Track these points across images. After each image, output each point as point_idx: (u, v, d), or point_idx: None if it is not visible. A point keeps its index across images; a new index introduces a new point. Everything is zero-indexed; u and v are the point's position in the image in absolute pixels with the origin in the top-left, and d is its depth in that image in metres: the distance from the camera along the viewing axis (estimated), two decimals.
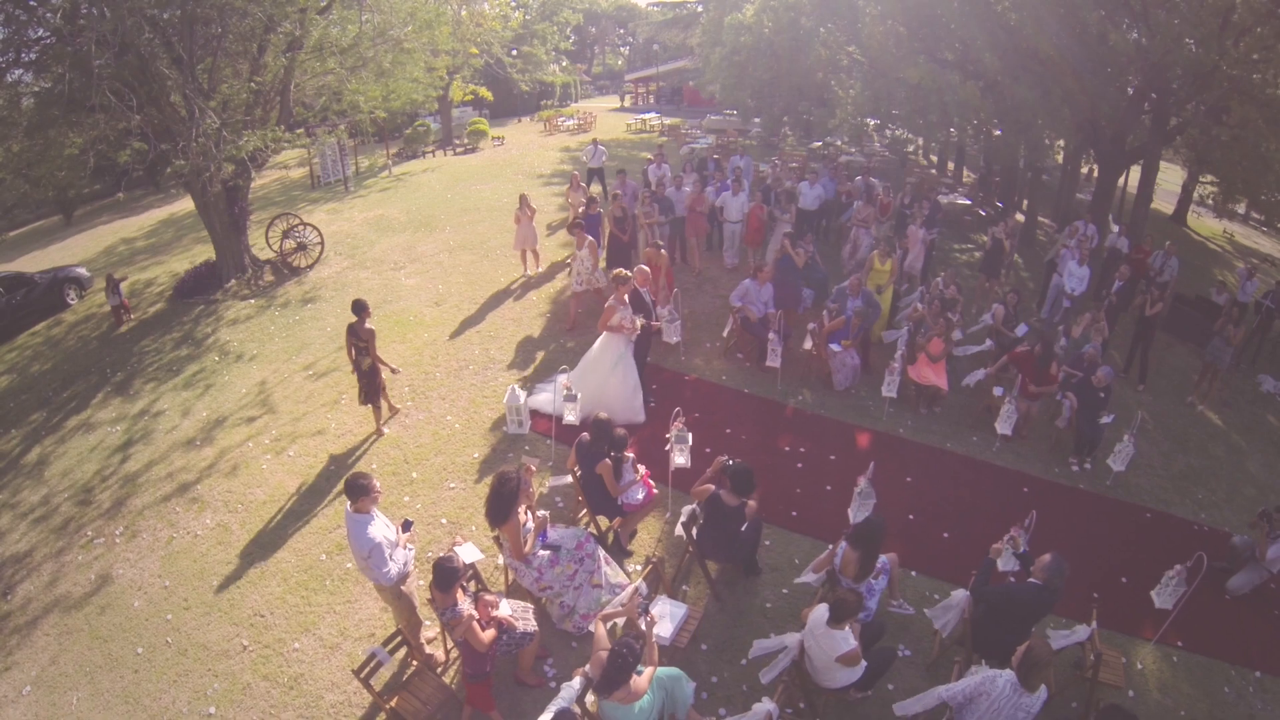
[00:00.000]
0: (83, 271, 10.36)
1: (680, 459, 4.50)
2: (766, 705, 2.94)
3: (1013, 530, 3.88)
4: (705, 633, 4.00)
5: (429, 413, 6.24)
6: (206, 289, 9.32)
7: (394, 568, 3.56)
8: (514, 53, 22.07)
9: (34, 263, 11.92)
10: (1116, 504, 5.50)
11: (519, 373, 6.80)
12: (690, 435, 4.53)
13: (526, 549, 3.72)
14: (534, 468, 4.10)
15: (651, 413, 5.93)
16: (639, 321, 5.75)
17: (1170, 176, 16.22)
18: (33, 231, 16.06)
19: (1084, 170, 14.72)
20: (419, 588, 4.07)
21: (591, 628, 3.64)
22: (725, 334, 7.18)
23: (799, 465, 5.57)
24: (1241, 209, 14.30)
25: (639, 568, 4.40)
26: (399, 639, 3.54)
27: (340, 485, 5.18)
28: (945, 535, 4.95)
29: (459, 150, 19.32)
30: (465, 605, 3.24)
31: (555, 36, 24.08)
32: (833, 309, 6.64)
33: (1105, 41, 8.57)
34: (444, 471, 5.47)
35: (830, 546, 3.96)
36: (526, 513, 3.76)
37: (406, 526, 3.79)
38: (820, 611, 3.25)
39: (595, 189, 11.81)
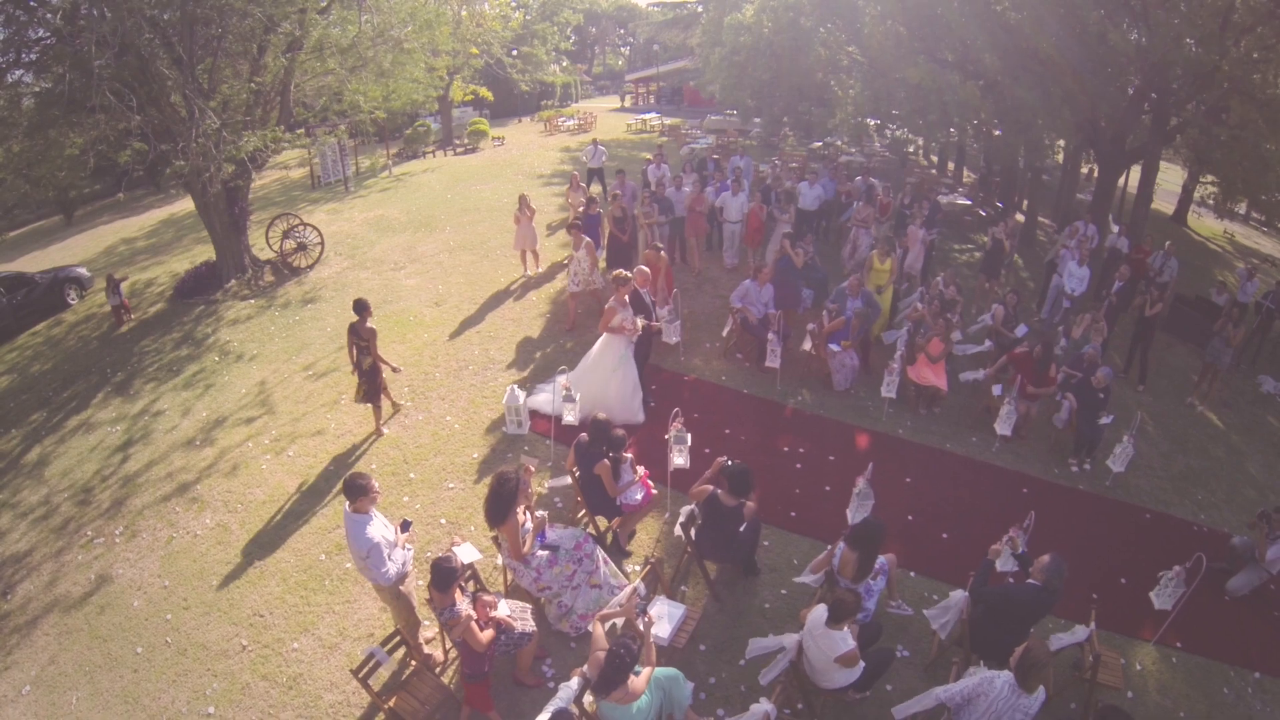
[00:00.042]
0: (83, 271, 10.37)
1: (679, 459, 4.51)
2: (764, 706, 2.94)
3: (1011, 531, 3.88)
4: (704, 633, 4.01)
5: (428, 413, 6.25)
6: (206, 289, 9.33)
7: (392, 568, 3.56)
8: (514, 53, 22.07)
9: (34, 263, 11.94)
10: (1116, 505, 5.50)
11: (518, 373, 6.80)
12: (689, 436, 4.53)
13: (525, 549, 3.72)
14: (533, 468, 4.10)
15: (651, 413, 5.93)
16: (640, 322, 5.75)
17: (1171, 177, 16.21)
18: (33, 231, 16.08)
19: (1084, 170, 14.71)
20: (418, 588, 4.08)
21: (590, 628, 3.63)
22: (725, 334, 7.18)
23: (798, 466, 5.57)
24: (1242, 209, 14.29)
25: (638, 568, 4.41)
26: (397, 639, 3.54)
27: (339, 485, 5.18)
28: (944, 536, 4.94)
29: (459, 150, 19.32)
30: (463, 605, 3.24)
31: (555, 37, 24.08)
32: (832, 309, 6.64)
33: (1105, 41, 8.56)
34: (443, 472, 5.47)
35: (829, 547, 3.96)
36: (525, 513, 3.77)
37: (405, 527, 3.80)
38: (819, 612, 3.25)
39: (595, 189, 11.82)
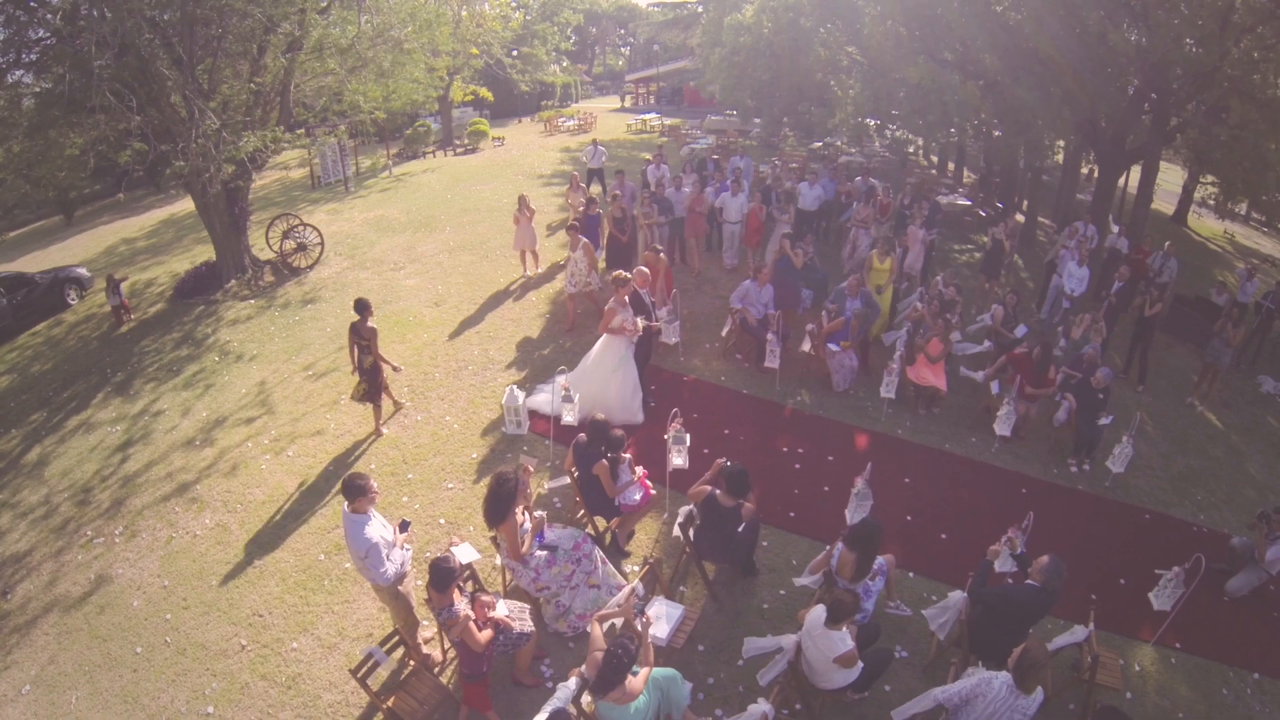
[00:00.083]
0: (83, 272, 10.38)
1: (678, 460, 4.51)
2: (762, 706, 2.94)
3: (1010, 531, 3.88)
4: (702, 633, 4.01)
5: (428, 413, 6.25)
6: (206, 289, 9.34)
7: (391, 568, 3.57)
8: (514, 53, 22.07)
9: (35, 263, 11.95)
10: (1115, 505, 5.49)
11: (517, 373, 6.81)
12: (688, 436, 4.53)
13: (524, 549, 3.73)
14: (532, 468, 4.11)
15: (650, 413, 5.93)
16: (640, 323, 5.75)
17: (1171, 177, 16.20)
18: (33, 231, 16.10)
19: (1084, 171, 14.70)
20: (416, 588, 4.08)
21: (589, 628, 3.64)
22: (724, 334, 7.18)
23: (797, 466, 5.57)
24: (1242, 209, 14.27)
25: (636, 568, 4.41)
26: (396, 639, 3.54)
27: (339, 485, 5.18)
28: (943, 536, 4.94)
29: (459, 151, 19.33)
30: (462, 605, 3.25)
31: (556, 37, 24.08)
32: (831, 309, 6.64)
33: (1105, 41, 8.56)
34: (442, 472, 5.47)
35: (827, 548, 3.96)
36: (524, 513, 3.77)
37: (404, 527, 3.80)
38: (818, 612, 3.26)
39: (595, 189, 11.82)
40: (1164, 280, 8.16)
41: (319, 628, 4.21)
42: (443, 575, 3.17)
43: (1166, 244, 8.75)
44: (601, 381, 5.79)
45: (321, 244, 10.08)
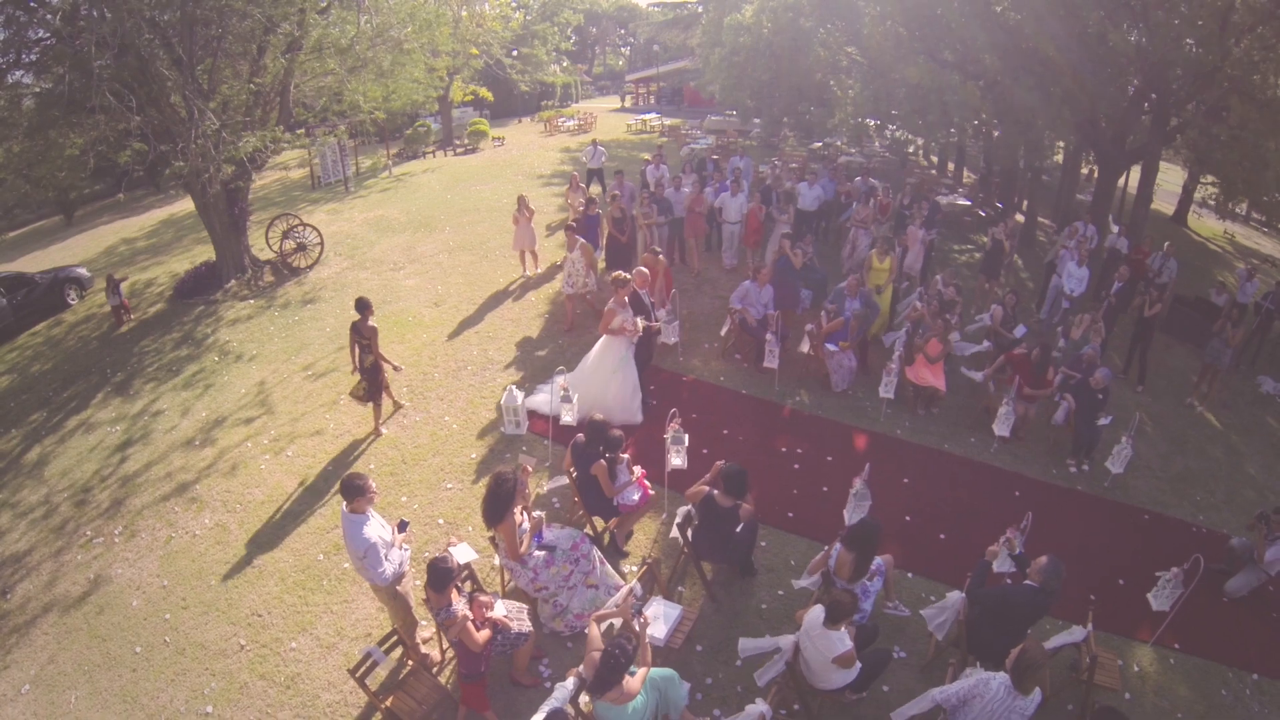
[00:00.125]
0: (83, 272, 10.38)
1: (676, 460, 4.51)
2: (760, 706, 2.94)
3: (1008, 532, 3.88)
4: (700, 634, 4.01)
5: (427, 413, 6.25)
6: (206, 289, 9.34)
7: (389, 568, 3.57)
8: (514, 53, 22.07)
9: (35, 263, 11.96)
10: (1114, 506, 5.49)
11: (516, 374, 6.81)
12: (687, 436, 4.53)
13: (522, 549, 3.73)
14: (530, 468, 4.11)
15: (649, 413, 5.93)
16: (640, 323, 5.75)
17: (1171, 177, 16.19)
18: (33, 231, 16.11)
19: (1084, 171, 14.70)
20: (415, 588, 4.08)
21: (587, 629, 3.64)
22: (723, 334, 7.18)
23: (796, 466, 5.57)
24: (1242, 210, 14.26)
25: (635, 568, 4.41)
26: (395, 639, 3.55)
27: (338, 485, 5.19)
28: (942, 536, 4.94)
29: (459, 151, 19.34)
30: (460, 605, 3.25)
31: (556, 37, 24.09)
32: (831, 310, 6.64)
33: (1105, 41, 8.56)
34: (441, 472, 5.48)
35: (825, 548, 3.96)
36: (522, 513, 3.77)
37: (402, 527, 3.80)
38: (816, 612, 3.26)
39: (595, 190, 11.82)
40: (1163, 281, 8.15)
41: (318, 627, 4.22)
42: (440, 575, 3.17)
43: (1166, 244, 8.75)
44: (601, 382, 5.79)
45: (321, 244, 10.08)
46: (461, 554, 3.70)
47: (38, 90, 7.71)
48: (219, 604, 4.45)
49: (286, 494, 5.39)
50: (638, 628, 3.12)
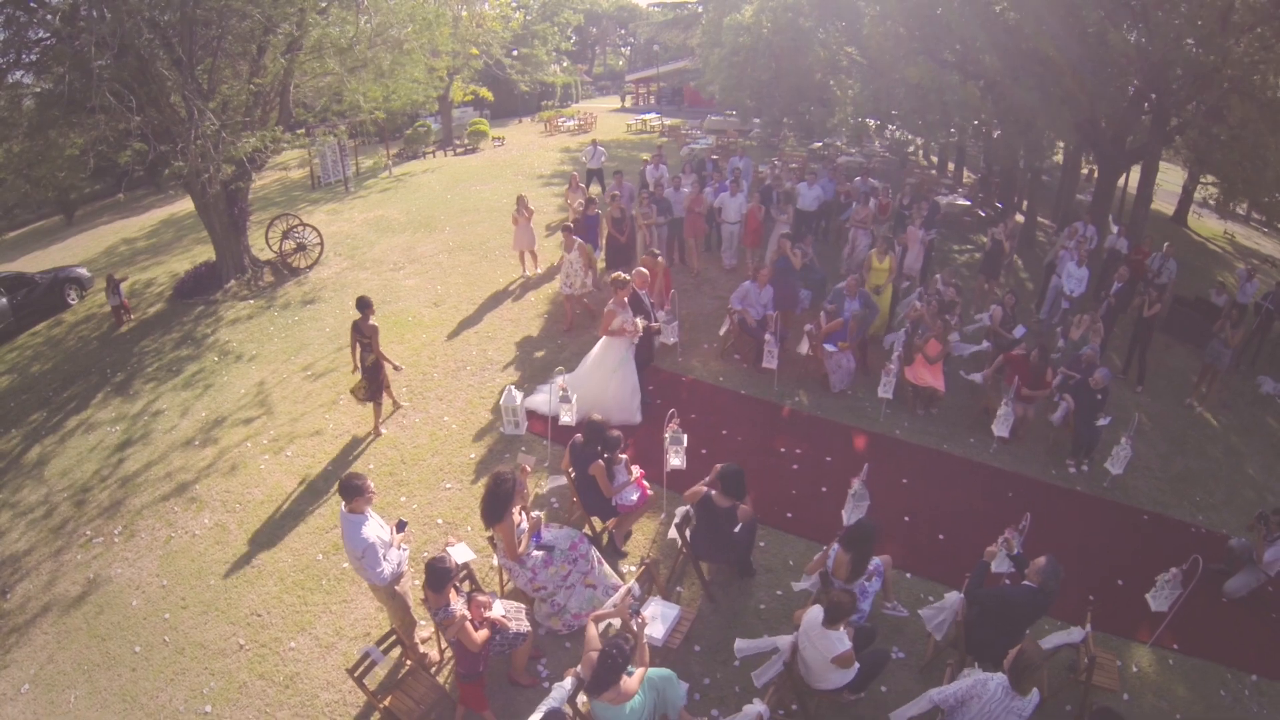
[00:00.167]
0: (83, 272, 10.39)
1: (675, 460, 4.51)
2: (757, 707, 2.95)
3: (1007, 532, 3.88)
4: (699, 634, 4.01)
5: (426, 413, 6.26)
6: (206, 289, 9.35)
7: (388, 568, 3.57)
8: (514, 53, 22.07)
9: (35, 263, 11.97)
10: (1114, 506, 5.49)
11: (515, 374, 6.81)
12: (685, 436, 4.53)
13: (520, 549, 3.73)
14: (529, 468, 4.12)
15: (648, 414, 5.93)
16: (640, 324, 5.75)
17: (1171, 177, 16.18)
18: (34, 231, 16.13)
19: (1084, 171, 14.69)
20: (413, 588, 4.09)
21: (587, 629, 3.64)
22: (722, 334, 7.18)
23: (795, 467, 5.58)
24: (1242, 210, 14.26)
25: (633, 568, 4.41)
26: (393, 638, 3.55)
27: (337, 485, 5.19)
28: (941, 537, 4.94)
29: (459, 151, 19.34)
30: (458, 605, 3.25)
31: (556, 37, 24.09)
32: (830, 310, 6.64)
33: (1105, 41, 8.55)
34: (440, 472, 5.48)
35: (824, 548, 3.96)
36: (521, 513, 3.78)
37: (401, 527, 3.80)
38: (815, 613, 3.26)
39: (595, 190, 11.82)
40: (1163, 281, 8.15)
41: (317, 627, 4.22)
42: (438, 575, 3.17)
43: (1165, 245, 8.74)
44: (601, 382, 5.79)
45: (321, 244, 10.09)
46: (459, 554, 3.70)
47: (38, 90, 7.71)
48: (218, 604, 4.46)
49: (286, 494, 5.39)
50: (635, 628, 3.13)
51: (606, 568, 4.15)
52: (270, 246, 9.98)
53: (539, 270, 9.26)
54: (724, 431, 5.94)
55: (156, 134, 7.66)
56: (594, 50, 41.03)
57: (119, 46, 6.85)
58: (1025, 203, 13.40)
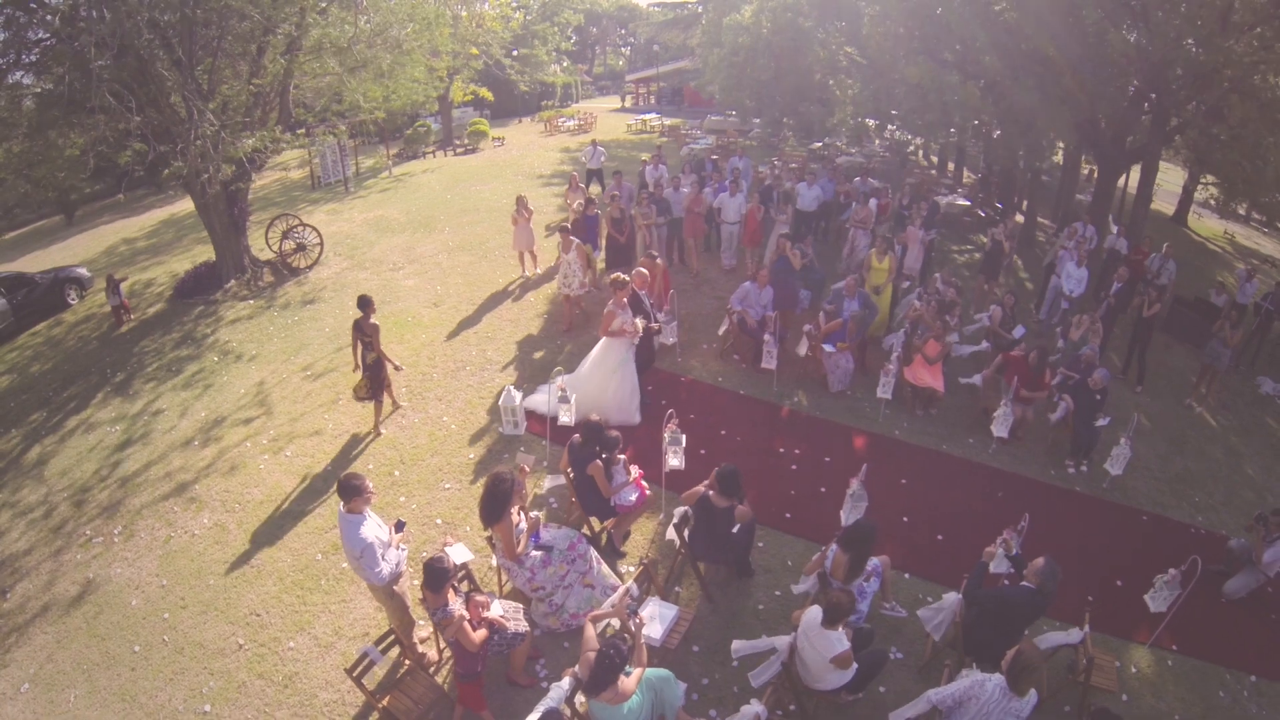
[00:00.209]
0: (83, 272, 10.40)
1: (674, 461, 4.51)
2: (755, 707, 2.95)
3: (1005, 533, 3.87)
4: (697, 634, 4.01)
5: (425, 413, 6.26)
6: (206, 289, 9.36)
7: (386, 568, 3.57)
8: (514, 54, 22.07)
9: (35, 263, 11.98)
10: (1113, 507, 5.49)
11: (515, 374, 6.82)
12: (684, 437, 4.53)
13: (519, 549, 3.74)
14: (528, 468, 4.12)
15: (647, 414, 5.94)
16: (640, 324, 5.75)
17: (1171, 178, 16.18)
18: (34, 231, 16.14)
19: (1084, 171, 14.68)
20: (412, 588, 4.09)
21: (585, 628, 3.64)
22: (721, 333, 7.18)
23: (794, 467, 5.58)
24: (1243, 210, 14.25)
25: (632, 569, 4.41)
26: (392, 638, 3.55)
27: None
28: (939, 537, 4.94)
29: (459, 151, 19.35)
30: (456, 606, 3.25)
31: (556, 37, 24.08)
32: (829, 310, 6.64)
33: (1105, 41, 8.55)
34: (439, 472, 5.49)
35: (822, 549, 3.96)
36: (520, 513, 3.78)
37: (399, 527, 3.81)
38: (814, 613, 3.26)
39: (594, 190, 11.82)
40: (1163, 282, 8.14)
41: (316, 627, 4.23)
42: (436, 575, 3.18)
43: (1165, 245, 8.74)
44: (600, 383, 5.79)
45: (321, 244, 10.10)
46: (457, 554, 3.71)
47: (38, 91, 7.72)
48: (217, 603, 4.47)
49: (285, 494, 5.40)
50: (633, 628, 3.13)
51: (605, 568, 4.15)
52: (270, 246, 9.98)
53: (538, 271, 9.27)
54: (723, 432, 5.94)
55: (156, 134, 7.67)
56: (594, 50, 41.03)
57: (119, 47, 6.86)
58: (1025, 203, 13.39)
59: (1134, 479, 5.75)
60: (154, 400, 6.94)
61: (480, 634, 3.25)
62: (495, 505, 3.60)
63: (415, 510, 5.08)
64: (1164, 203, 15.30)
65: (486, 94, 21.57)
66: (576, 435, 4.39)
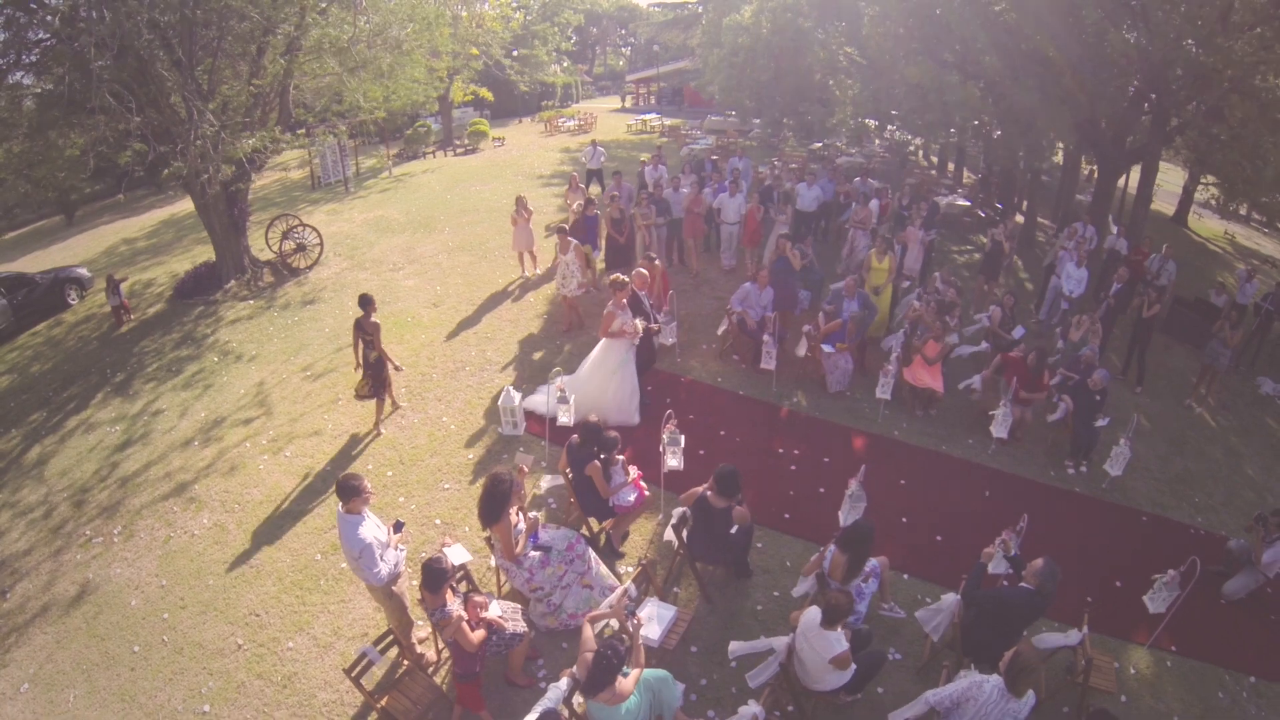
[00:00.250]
0: (83, 272, 10.41)
1: (672, 461, 4.51)
2: (752, 708, 2.95)
3: (1004, 534, 3.87)
4: (695, 635, 4.01)
5: (425, 414, 6.27)
6: (206, 290, 9.37)
7: (384, 568, 3.58)
8: (514, 54, 22.07)
9: (35, 263, 12.00)
10: (1112, 508, 5.49)
11: (514, 374, 6.82)
12: (682, 438, 4.53)
13: (518, 550, 3.74)
14: (526, 469, 4.12)
15: (646, 414, 5.94)
16: (639, 325, 5.75)
17: (1172, 178, 16.18)
18: (34, 231, 16.16)
19: (1084, 171, 14.67)
20: (410, 588, 4.09)
21: (583, 628, 3.64)
22: (720, 333, 7.18)
23: (793, 468, 5.58)
24: (1243, 210, 14.24)
25: (631, 569, 4.42)
26: (390, 639, 3.56)
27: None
28: (938, 538, 4.94)
29: (459, 151, 19.36)
30: (454, 606, 3.26)
31: (556, 37, 24.09)
32: (829, 310, 6.64)
33: (1105, 41, 8.55)
34: (438, 472, 5.49)
35: (820, 550, 3.96)
36: (518, 514, 3.78)
37: (398, 528, 3.81)
38: (812, 614, 3.26)
39: (594, 190, 11.82)
40: (1162, 283, 8.14)
41: (315, 627, 4.23)
42: (434, 576, 3.18)
43: (1165, 246, 8.73)
44: (600, 384, 5.79)
45: (321, 244, 10.10)
46: (456, 555, 3.71)
47: (38, 91, 7.73)
48: (217, 603, 4.47)
49: (284, 494, 5.40)
50: (631, 629, 3.13)
51: (603, 568, 4.15)
52: (270, 247, 9.99)
53: (538, 271, 9.27)
54: (722, 432, 5.94)
55: (156, 135, 7.68)
56: (594, 50, 41.03)
57: (119, 47, 6.87)
58: (1025, 203, 13.39)
59: (1133, 480, 5.74)
60: (154, 400, 6.95)
61: (479, 634, 3.26)
62: (494, 506, 3.60)
63: (414, 511, 5.08)
64: (1164, 203, 15.29)
65: (486, 94, 21.58)
66: (575, 436, 4.39)
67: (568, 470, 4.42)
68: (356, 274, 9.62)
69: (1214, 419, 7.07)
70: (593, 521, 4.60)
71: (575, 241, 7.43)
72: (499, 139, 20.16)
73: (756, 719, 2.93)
